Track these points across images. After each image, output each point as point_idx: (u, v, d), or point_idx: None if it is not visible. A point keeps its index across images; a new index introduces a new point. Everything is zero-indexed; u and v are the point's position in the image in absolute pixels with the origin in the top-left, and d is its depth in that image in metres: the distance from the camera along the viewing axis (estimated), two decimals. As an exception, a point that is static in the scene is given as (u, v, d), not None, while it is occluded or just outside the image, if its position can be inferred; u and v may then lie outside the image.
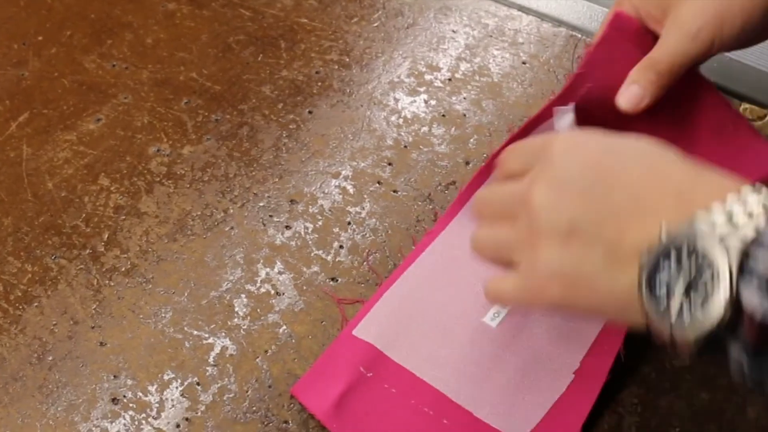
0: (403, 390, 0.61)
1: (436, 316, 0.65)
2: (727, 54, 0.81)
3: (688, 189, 0.46)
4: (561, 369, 0.62)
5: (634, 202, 0.47)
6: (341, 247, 0.69)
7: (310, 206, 0.72)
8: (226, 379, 0.62)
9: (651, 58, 0.64)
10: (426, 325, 0.64)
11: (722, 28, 0.63)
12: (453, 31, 0.85)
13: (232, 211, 0.72)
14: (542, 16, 0.87)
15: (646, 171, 0.48)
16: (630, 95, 0.65)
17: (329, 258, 0.69)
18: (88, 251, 0.70)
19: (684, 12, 0.63)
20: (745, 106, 0.78)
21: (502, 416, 0.60)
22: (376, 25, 0.86)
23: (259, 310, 0.66)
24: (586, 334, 0.63)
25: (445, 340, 0.63)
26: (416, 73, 0.81)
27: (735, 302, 0.41)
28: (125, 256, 0.69)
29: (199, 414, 0.61)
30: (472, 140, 0.76)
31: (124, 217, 0.72)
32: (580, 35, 0.85)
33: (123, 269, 0.68)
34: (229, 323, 0.65)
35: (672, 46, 0.64)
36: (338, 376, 0.61)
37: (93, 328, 0.65)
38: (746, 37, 0.64)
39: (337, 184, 0.73)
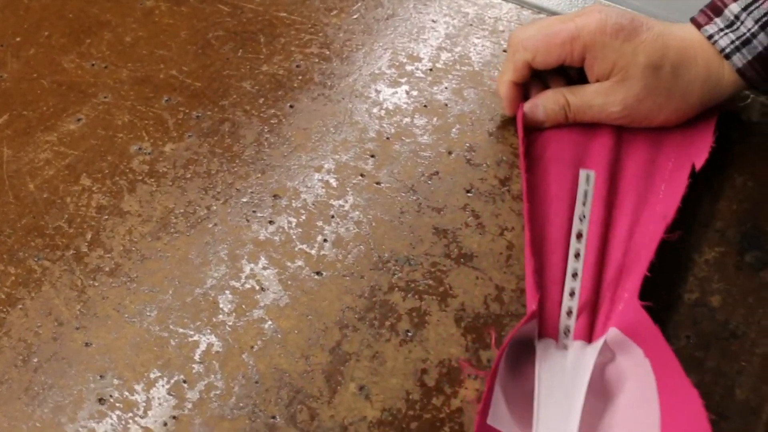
0: None
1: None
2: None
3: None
4: (638, 385, 0.60)
5: None
6: (325, 240, 0.69)
7: (293, 201, 0.71)
8: (213, 376, 0.62)
9: (569, 102, 0.73)
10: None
11: (640, 123, 0.73)
12: (433, 21, 0.85)
13: (215, 207, 0.71)
14: (522, 3, 0.86)
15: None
16: (533, 116, 0.74)
17: (313, 252, 0.68)
18: (71, 252, 0.69)
19: (621, 95, 0.71)
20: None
21: None
22: (355, 17, 0.86)
23: (244, 306, 0.65)
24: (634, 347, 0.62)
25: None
26: (397, 64, 0.81)
27: None
28: (109, 255, 0.69)
29: (186, 412, 0.60)
30: (454, 130, 0.76)
31: (106, 217, 0.71)
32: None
33: (107, 269, 0.68)
34: (214, 320, 0.65)
35: (592, 109, 0.72)
36: None
37: (78, 328, 0.65)
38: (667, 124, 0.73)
39: (319, 177, 0.73)
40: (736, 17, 0.68)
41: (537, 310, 0.63)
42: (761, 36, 0.67)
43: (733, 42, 0.68)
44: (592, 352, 0.61)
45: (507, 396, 0.60)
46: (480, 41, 0.83)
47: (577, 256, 0.66)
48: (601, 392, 0.60)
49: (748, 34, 0.67)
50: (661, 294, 0.65)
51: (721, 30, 0.69)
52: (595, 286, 0.65)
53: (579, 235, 0.67)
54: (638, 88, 0.69)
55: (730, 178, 0.72)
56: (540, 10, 0.86)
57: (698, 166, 0.70)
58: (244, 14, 0.86)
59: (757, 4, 0.67)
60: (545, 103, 0.73)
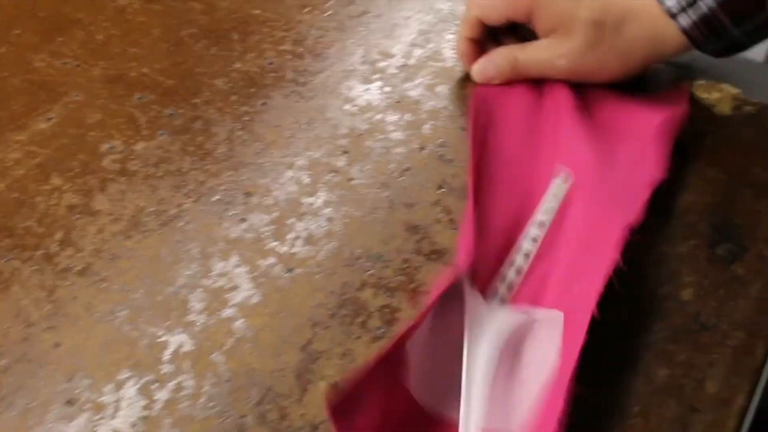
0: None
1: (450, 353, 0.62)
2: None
3: None
4: (544, 356, 0.62)
5: None
6: (297, 238, 0.69)
7: (265, 198, 0.71)
8: (183, 375, 0.62)
9: (517, 59, 0.75)
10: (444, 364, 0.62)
11: (587, 77, 0.75)
12: (406, 18, 0.85)
13: (186, 205, 0.71)
14: (496, -1, 0.86)
15: None
16: (482, 74, 0.77)
17: (285, 249, 0.68)
18: (41, 252, 0.69)
19: (567, 48, 0.73)
20: (699, 82, 0.78)
21: (491, 414, 0.59)
22: (328, 14, 0.85)
23: (215, 305, 0.65)
24: (556, 319, 0.63)
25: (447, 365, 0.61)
26: (370, 60, 0.81)
27: None
28: (79, 255, 0.69)
29: (156, 412, 0.60)
30: (426, 126, 0.75)
31: (77, 216, 0.71)
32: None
33: (77, 269, 0.68)
34: (185, 319, 0.65)
35: (540, 63, 0.75)
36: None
37: (47, 329, 0.65)
38: (607, 83, 0.76)
39: (291, 174, 0.73)
40: None
41: (466, 266, 0.64)
42: None
43: (679, 2, 0.69)
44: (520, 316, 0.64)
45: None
46: (453, 37, 0.83)
47: (534, 240, 0.67)
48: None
49: None
50: (632, 288, 0.65)
51: None
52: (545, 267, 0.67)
53: (542, 224, 0.67)
54: (580, 43, 0.72)
55: (702, 171, 0.72)
56: (513, 5, 0.85)
57: (654, 183, 0.70)
58: (218, 12, 0.86)
59: None
60: (495, 59, 0.76)
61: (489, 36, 0.78)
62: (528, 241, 0.67)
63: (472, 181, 0.70)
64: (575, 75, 0.74)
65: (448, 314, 0.63)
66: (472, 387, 0.59)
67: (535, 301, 0.65)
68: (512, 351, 0.62)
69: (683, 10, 0.69)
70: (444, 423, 0.59)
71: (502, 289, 0.65)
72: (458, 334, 0.61)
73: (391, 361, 0.58)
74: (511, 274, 0.66)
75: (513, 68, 0.75)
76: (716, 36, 0.70)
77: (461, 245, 0.66)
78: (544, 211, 0.67)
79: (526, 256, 0.66)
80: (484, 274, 0.66)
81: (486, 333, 0.62)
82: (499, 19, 0.74)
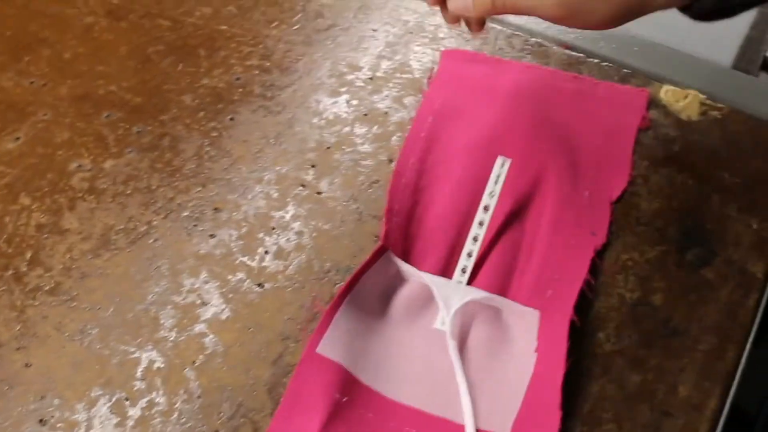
0: (379, 414, 0.61)
1: (389, 331, 0.64)
2: (646, 36, 0.82)
3: None
4: (522, 352, 0.63)
5: None
6: (266, 252, 0.69)
7: (234, 213, 0.71)
8: (155, 392, 0.62)
9: None
10: (382, 342, 0.64)
11: (579, 10, 0.61)
12: (373, 30, 0.85)
13: (155, 222, 0.71)
14: (462, 11, 0.86)
15: None
16: (460, 8, 0.65)
17: (254, 264, 0.68)
18: (10, 272, 0.68)
19: None
20: (666, 88, 0.78)
21: (482, 416, 0.60)
22: (296, 28, 0.85)
23: (185, 321, 0.65)
24: (531, 317, 0.64)
25: (403, 354, 0.63)
26: (337, 73, 0.81)
27: None
28: (49, 274, 0.68)
29: (129, 429, 0.60)
30: (394, 138, 0.75)
31: (46, 236, 0.71)
32: (500, 27, 0.85)
33: (47, 288, 0.67)
34: (156, 336, 0.64)
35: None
36: (315, 406, 0.60)
37: (18, 349, 0.64)
38: (598, 27, 0.62)
39: (260, 189, 0.73)
40: None
41: (383, 247, 0.67)
42: None
43: None
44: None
45: (349, 328, 0.63)
46: (420, 48, 0.83)
47: (481, 224, 0.68)
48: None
49: None
50: (602, 295, 0.65)
51: None
52: (502, 259, 0.68)
53: (486, 208, 0.68)
54: None
55: (670, 176, 0.72)
56: (479, 15, 0.86)
57: (619, 189, 0.72)
58: (185, 28, 0.86)
59: None
60: None
61: None
62: (476, 226, 0.68)
63: (398, 164, 0.73)
64: (564, 14, 0.61)
65: (369, 287, 0.66)
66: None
67: (502, 290, 0.66)
68: (483, 338, 0.64)
69: None
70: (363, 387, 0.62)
71: (458, 270, 0.66)
72: (378, 305, 0.66)
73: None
74: (464, 257, 0.67)
75: (495, 8, 0.63)
76: None
77: (384, 225, 0.69)
78: (488, 195, 0.68)
79: (475, 239, 0.67)
80: (443, 256, 0.68)
81: (452, 306, 0.64)
82: None
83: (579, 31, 0.85)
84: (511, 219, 0.69)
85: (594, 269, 0.66)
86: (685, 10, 0.62)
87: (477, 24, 0.69)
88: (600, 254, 0.67)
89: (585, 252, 0.67)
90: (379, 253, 0.66)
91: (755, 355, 0.65)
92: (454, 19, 0.69)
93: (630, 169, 0.72)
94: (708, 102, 0.77)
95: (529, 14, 0.62)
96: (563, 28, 0.85)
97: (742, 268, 0.67)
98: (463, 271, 0.66)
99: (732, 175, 0.73)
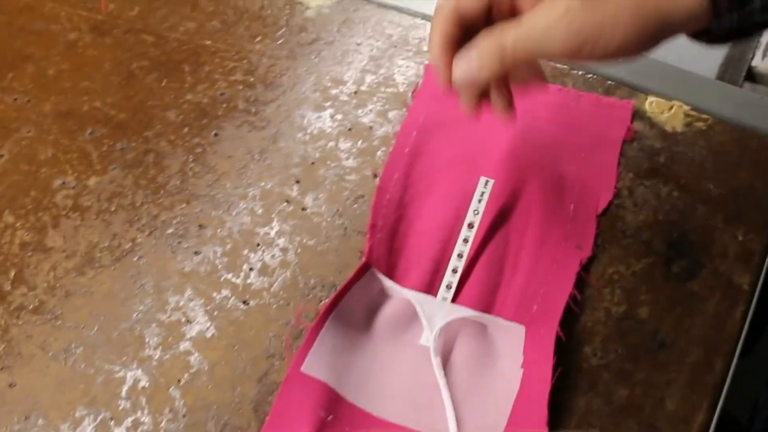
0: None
1: (374, 348, 0.64)
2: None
3: None
4: (508, 368, 0.63)
5: None
6: (251, 269, 0.68)
7: (219, 230, 0.71)
8: (140, 411, 0.61)
9: (508, 40, 0.56)
10: (367, 358, 0.63)
11: (597, 42, 0.55)
12: (357, 44, 0.85)
13: (140, 240, 0.71)
14: (446, 23, 0.86)
15: None
16: (465, 71, 0.58)
17: (239, 281, 0.68)
18: (-7, 291, 0.68)
19: (564, 7, 0.55)
20: (651, 99, 0.78)
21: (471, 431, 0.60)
22: (280, 42, 0.85)
23: (170, 339, 0.65)
24: (517, 332, 0.64)
25: (388, 371, 0.63)
26: (321, 88, 0.81)
27: None
28: (33, 293, 0.68)
29: (112, 450, 0.60)
30: (379, 152, 0.75)
31: (30, 254, 0.70)
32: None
33: (31, 307, 0.67)
34: (141, 354, 0.64)
35: (536, 35, 0.55)
36: (300, 425, 0.60)
37: (1, 369, 0.64)
38: (616, 56, 0.56)
39: (245, 205, 0.72)
40: None
41: (367, 263, 0.67)
42: None
43: None
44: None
45: (333, 345, 0.63)
46: (404, 62, 0.83)
47: (465, 241, 0.67)
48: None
49: None
50: (588, 309, 0.65)
51: None
52: (487, 275, 0.68)
53: (470, 225, 0.68)
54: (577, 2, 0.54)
55: (656, 188, 0.72)
56: (464, 28, 0.85)
57: (604, 202, 0.72)
58: (169, 44, 0.86)
59: None
60: (479, 49, 0.57)
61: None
62: (461, 243, 0.68)
63: (383, 179, 0.72)
64: (579, 44, 0.55)
65: (354, 304, 0.65)
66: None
67: (487, 306, 0.66)
68: (469, 353, 0.64)
69: None
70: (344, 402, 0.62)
71: (443, 287, 0.66)
72: (362, 322, 0.65)
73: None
74: (448, 274, 0.67)
75: (502, 55, 0.57)
76: (741, 4, 0.54)
77: (368, 241, 0.68)
78: (472, 212, 0.68)
79: (459, 256, 0.67)
80: (428, 271, 0.68)
81: (436, 324, 0.64)
82: (476, 2, 0.59)
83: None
84: (496, 234, 0.69)
85: (580, 283, 0.66)
86: (700, 35, 0.58)
87: (502, 95, 0.63)
88: (586, 268, 0.67)
89: (571, 266, 0.67)
90: (362, 270, 0.66)
91: (743, 364, 0.65)
92: (471, 99, 0.62)
93: (615, 181, 0.72)
94: (693, 113, 0.77)
95: (542, 56, 0.57)
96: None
97: (729, 280, 0.67)
98: (448, 287, 0.66)
99: (717, 186, 0.73)
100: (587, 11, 0.54)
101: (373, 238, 0.68)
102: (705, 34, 0.57)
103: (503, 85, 0.62)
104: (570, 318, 0.64)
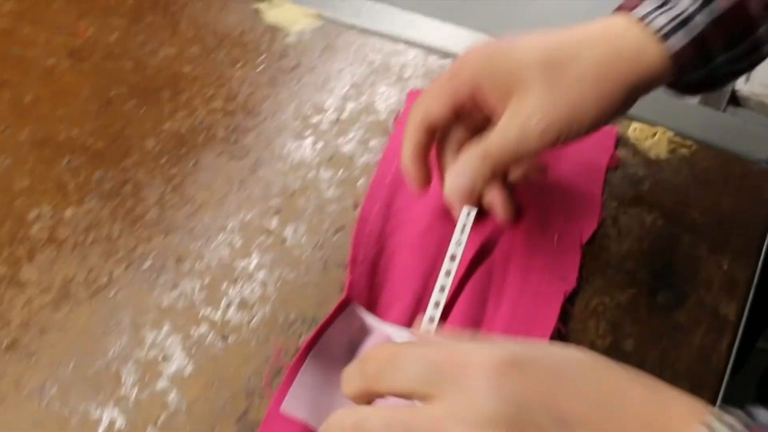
0: None
1: None
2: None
3: (655, 419, 0.43)
4: None
5: None
6: (229, 304, 0.67)
7: (197, 263, 0.70)
8: (116, 452, 0.60)
9: (487, 150, 0.61)
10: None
11: (570, 128, 0.58)
12: (338, 70, 0.84)
13: (116, 274, 0.69)
14: (428, 49, 0.85)
15: (602, 399, 0.43)
16: (458, 190, 0.64)
17: (218, 317, 0.67)
18: (-33, 328, 0.67)
19: (531, 106, 0.58)
20: (634, 126, 0.77)
21: None
22: (260, 69, 0.84)
23: (147, 378, 0.63)
24: None
25: None
26: (302, 116, 0.80)
27: None
28: (6, 330, 0.67)
29: (88, 493, 0.58)
30: (360, 182, 0.74)
31: (4, 289, 0.69)
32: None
33: (4, 344, 0.66)
34: (117, 393, 0.63)
35: (512, 140, 0.59)
36: None
37: (-26, 409, 0.63)
38: (593, 130, 0.60)
39: (223, 238, 0.71)
40: None
41: (347, 298, 0.65)
42: (701, 15, 0.58)
43: (671, 21, 0.58)
44: None
45: (314, 383, 0.62)
46: (386, 89, 0.82)
47: (448, 273, 0.65)
48: None
49: (687, 12, 0.58)
50: (573, 342, 0.64)
51: (655, 9, 0.59)
52: (470, 308, 0.66)
53: (453, 257, 0.66)
54: (543, 91, 0.58)
55: (639, 216, 0.72)
56: (446, 54, 0.85)
57: (589, 232, 0.71)
58: (148, 70, 0.85)
59: None
60: (465, 167, 0.63)
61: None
62: (443, 275, 0.66)
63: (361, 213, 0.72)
64: (557, 135, 0.58)
65: (334, 341, 0.64)
66: None
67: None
68: None
69: (675, 30, 0.58)
70: None
71: (425, 320, 0.64)
72: (343, 359, 0.64)
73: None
74: (431, 307, 0.64)
75: (489, 167, 0.62)
76: (704, 61, 0.60)
77: (349, 275, 0.67)
78: (454, 244, 0.66)
79: (442, 289, 0.65)
80: (410, 305, 0.67)
81: None
82: (443, 109, 0.62)
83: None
84: (479, 266, 0.68)
85: (564, 315, 0.65)
86: (671, 85, 0.62)
87: (503, 206, 0.68)
88: (570, 299, 0.66)
89: (555, 298, 0.66)
90: (343, 305, 0.65)
91: (730, 387, 0.65)
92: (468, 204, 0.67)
93: (600, 210, 0.71)
94: (676, 139, 0.76)
95: (524, 156, 0.61)
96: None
97: (714, 311, 0.67)
98: (431, 320, 0.64)
99: (702, 215, 0.72)
100: (552, 104, 0.58)
101: (353, 272, 0.67)
102: (674, 84, 0.61)
103: (501, 187, 0.67)
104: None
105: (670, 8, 0.58)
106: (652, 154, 0.75)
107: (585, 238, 0.70)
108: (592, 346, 0.64)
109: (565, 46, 0.58)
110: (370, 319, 0.65)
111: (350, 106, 0.80)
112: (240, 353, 0.64)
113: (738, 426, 0.41)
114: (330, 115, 0.80)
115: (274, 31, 0.88)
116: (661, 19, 0.58)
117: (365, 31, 0.87)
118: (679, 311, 0.67)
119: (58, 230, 0.72)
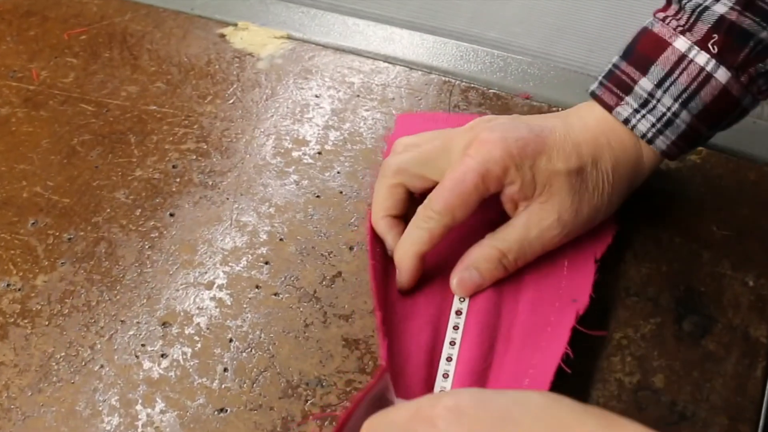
0: None
1: None
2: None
3: None
4: None
5: None
6: (225, 370, 0.62)
7: (186, 327, 0.64)
8: None
9: (504, 251, 0.64)
10: None
11: (585, 228, 0.65)
12: (316, 96, 0.78)
13: (99, 345, 0.64)
14: (411, 65, 0.80)
15: None
16: (470, 282, 0.64)
17: (215, 385, 0.61)
18: (-59, 421, 0.61)
19: (556, 212, 0.63)
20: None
21: None
22: (231, 101, 0.79)
23: (143, 463, 0.58)
24: None
25: None
26: (282, 151, 0.74)
27: None
28: (-15, 419, 0.61)
29: None
30: (353, 220, 0.69)
31: (-22, 372, 0.63)
32: (453, 80, 0.79)
33: (-16, 435, 0.60)
34: (112, 483, 0.58)
35: (532, 241, 0.64)
36: None
37: None
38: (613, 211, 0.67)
39: (211, 295, 0.66)
40: (650, 95, 0.62)
41: (386, 367, 0.59)
42: (683, 114, 0.62)
43: (654, 125, 0.63)
44: None
45: None
46: (369, 113, 0.76)
47: (456, 328, 0.63)
48: None
49: (669, 114, 0.62)
50: (599, 382, 0.60)
51: (636, 111, 0.63)
52: (479, 356, 0.62)
53: (458, 312, 0.64)
54: (569, 199, 0.62)
55: (655, 236, 0.67)
56: (430, 69, 0.80)
57: (603, 246, 0.67)
58: (111, 112, 0.79)
59: (671, 79, 0.62)
60: (477, 264, 0.64)
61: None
62: (451, 330, 0.62)
63: (373, 277, 0.65)
64: (573, 235, 0.65)
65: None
66: None
67: (480, 386, 0.61)
68: None
69: (660, 132, 0.63)
70: None
71: (439, 378, 0.60)
72: None
73: None
74: (443, 363, 0.61)
75: (503, 265, 0.64)
76: (693, 145, 0.65)
77: (380, 343, 0.61)
78: (458, 301, 0.64)
79: (452, 344, 0.62)
80: (421, 368, 0.62)
81: None
82: (471, 212, 0.63)
83: (538, 79, 0.80)
84: (486, 311, 0.63)
85: (588, 351, 0.61)
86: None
87: None
88: (590, 336, 0.62)
89: (564, 325, 0.61)
90: (381, 375, 0.58)
91: None
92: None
93: (614, 222, 0.67)
94: (685, 146, 0.72)
95: (541, 253, 0.65)
96: (520, 75, 0.80)
97: (745, 333, 0.62)
98: (445, 376, 0.60)
99: (720, 228, 0.68)
100: (577, 213, 0.63)
101: (385, 333, 0.61)
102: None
103: None
104: (580, 393, 0.59)
105: (651, 109, 0.62)
106: (662, 165, 0.71)
107: (599, 253, 0.65)
108: (620, 386, 0.60)
109: (584, 158, 0.63)
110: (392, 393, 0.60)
111: (333, 135, 0.75)
112: (242, 425, 0.59)
113: None
114: (312, 148, 0.75)
115: (242, 57, 0.82)
116: (644, 125, 0.63)
117: (340, 49, 0.82)
118: (708, 338, 0.62)
119: (30, 301, 0.67)
